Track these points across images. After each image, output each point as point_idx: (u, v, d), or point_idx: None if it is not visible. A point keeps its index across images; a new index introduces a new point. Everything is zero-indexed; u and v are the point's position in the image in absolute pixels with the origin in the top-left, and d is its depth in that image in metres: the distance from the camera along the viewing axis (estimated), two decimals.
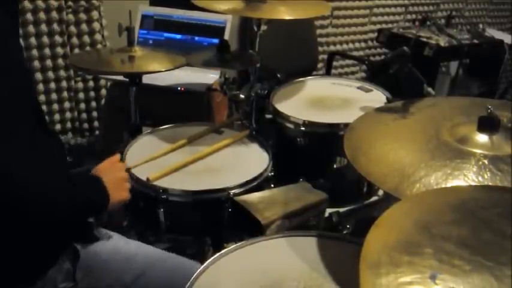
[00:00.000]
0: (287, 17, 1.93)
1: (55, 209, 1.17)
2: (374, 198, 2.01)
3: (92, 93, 3.10)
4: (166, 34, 2.71)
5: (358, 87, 2.21)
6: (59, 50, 2.86)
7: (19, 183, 1.07)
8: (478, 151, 1.18)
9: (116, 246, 1.41)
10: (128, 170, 1.56)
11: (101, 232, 1.45)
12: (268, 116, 2.03)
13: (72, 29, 2.88)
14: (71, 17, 2.85)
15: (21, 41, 1.13)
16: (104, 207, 1.31)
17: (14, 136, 1.09)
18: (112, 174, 1.37)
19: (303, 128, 1.89)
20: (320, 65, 3.76)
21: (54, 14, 2.78)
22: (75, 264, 1.33)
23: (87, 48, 2.95)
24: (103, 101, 3.09)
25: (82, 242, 1.37)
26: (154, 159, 1.73)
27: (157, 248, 1.51)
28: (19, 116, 1.14)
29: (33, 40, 2.79)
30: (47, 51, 2.84)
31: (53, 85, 2.93)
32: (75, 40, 2.91)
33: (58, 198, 1.17)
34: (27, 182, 1.09)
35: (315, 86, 2.26)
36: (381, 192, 2.00)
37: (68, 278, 1.31)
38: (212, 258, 1.23)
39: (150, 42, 2.72)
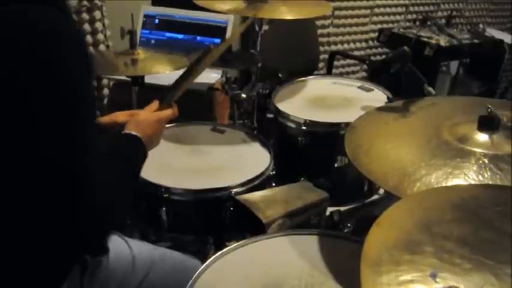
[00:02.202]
0: (288, 17, 1.93)
1: (124, 214, 1.19)
2: (375, 197, 2.02)
3: (94, 93, 3.10)
4: (168, 34, 2.72)
5: (359, 87, 2.21)
6: None
7: (100, 197, 1.03)
8: (478, 150, 1.18)
9: (119, 249, 1.38)
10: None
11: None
12: (270, 115, 2.04)
13: None
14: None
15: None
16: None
17: (94, 142, 1.06)
18: (150, 129, 1.38)
19: (304, 127, 1.89)
20: (321, 64, 3.76)
21: None
22: (83, 274, 1.28)
23: (90, 48, 2.95)
24: (105, 101, 3.10)
25: (93, 254, 1.32)
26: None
27: (161, 247, 1.51)
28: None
29: None
30: None
31: None
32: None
33: (126, 204, 1.18)
34: (109, 196, 1.06)
35: (316, 86, 2.26)
36: (381, 191, 2.01)
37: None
38: (214, 256, 1.24)
39: (152, 42, 2.72)
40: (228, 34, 2.66)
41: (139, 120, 1.40)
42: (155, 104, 1.49)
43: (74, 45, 0.99)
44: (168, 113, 1.47)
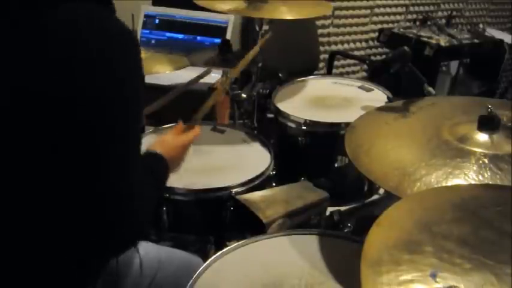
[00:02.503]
0: (289, 17, 1.94)
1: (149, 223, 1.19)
2: (375, 197, 2.02)
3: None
4: (168, 34, 2.72)
5: (359, 87, 2.22)
6: None
7: (137, 205, 1.03)
8: (478, 150, 1.18)
9: (128, 255, 1.36)
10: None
11: None
12: (270, 115, 2.04)
13: None
14: None
15: None
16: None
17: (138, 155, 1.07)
18: (175, 152, 1.38)
19: (304, 127, 1.90)
20: (321, 64, 3.76)
21: None
22: (96, 283, 1.25)
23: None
24: None
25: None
26: None
27: (173, 248, 1.50)
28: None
29: None
30: None
31: None
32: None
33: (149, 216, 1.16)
34: (142, 205, 1.06)
35: (316, 86, 2.27)
36: (381, 191, 2.01)
37: None
38: (214, 256, 1.24)
39: (153, 42, 2.72)
40: (228, 34, 2.66)
41: (164, 141, 1.41)
42: (180, 125, 1.52)
43: (129, 44, 0.99)
44: (191, 136, 1.47)
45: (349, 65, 4.09)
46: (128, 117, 0.97)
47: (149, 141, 1.83)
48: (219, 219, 1.62)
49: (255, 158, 1.78)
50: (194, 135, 1.48)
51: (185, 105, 2.50)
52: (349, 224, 1.69)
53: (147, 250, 1.42)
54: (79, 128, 0.90)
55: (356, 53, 4.05)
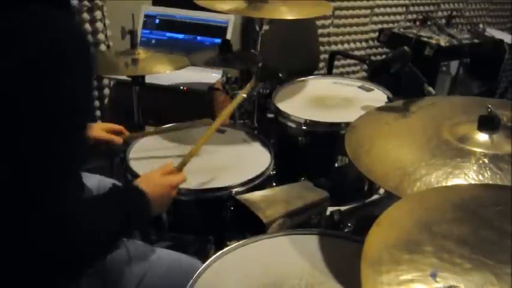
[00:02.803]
0: (289, 17, 1.94)
1: (106, 249, 1.13)
2: (375, 196, 2.02)
3: (95, 93, 3.10)
4: (168, 34, 2.72)
5: (359, 87, 2.22)
6: None
7: (74, 226, 1.00)
8: (478, 150, 1.18)
9: (117, 252, 1.35)
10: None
11: None
12: (270, 115, 2.04)
13: None
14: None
15: None
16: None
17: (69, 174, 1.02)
18: (161, 191, 1.32)
19: (304, 127, 1.90)
20: (321, 64, 3.77)
21: None
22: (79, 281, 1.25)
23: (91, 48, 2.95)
24: (106, 100, 3.10)
25: None
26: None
27: (157, 247, 1.51)
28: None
29: None
30: None
31: None
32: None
33: (107, 237, 1.12)
34: (81, 225, 1.02)
35: (316, 86, 2.27)
36: (381, 191, 2.01)
37: None
38: (214, 256, 1.24)
39: (153, 42, 2.73)
40: (229, 34, 2.66)
41: (150, 178, 1.35)
42: (169, 165, 1.44)
43: (78, 51, 0.97)
44: (179, 179, 1.42)
45: (349, 65, 4.09)
46: (56, 130, 0.94)
47: (150, 143, 1.85)
48: (219, 219, 1.63)
49: (255, 158, 1.78)
50: (181, 179, 1.43)
51: (185, 105, 2.52)
52: (349, 224, 1.69)
53: (138, 249, 1.42)
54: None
55: (356, 53, 4.06)
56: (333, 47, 3.93)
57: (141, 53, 1.93)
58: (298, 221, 1.51)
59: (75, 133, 0.99)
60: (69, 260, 1.00)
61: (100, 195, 1.24)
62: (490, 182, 1.10)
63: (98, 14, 2.91)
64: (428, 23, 3.79)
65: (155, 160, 1.74)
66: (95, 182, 1.69)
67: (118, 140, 1.75)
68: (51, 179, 0.94)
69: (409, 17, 4.19)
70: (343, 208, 1.77)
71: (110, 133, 1.75)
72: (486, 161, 1.15)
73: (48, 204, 0.94)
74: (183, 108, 2.47)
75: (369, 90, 2.19)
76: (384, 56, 3.24)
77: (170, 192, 1.36)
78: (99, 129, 1.72)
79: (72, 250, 0.99)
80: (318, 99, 2.10)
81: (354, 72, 4.14)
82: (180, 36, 2.71)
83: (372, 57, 4.12)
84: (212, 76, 2.62)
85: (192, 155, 1.52)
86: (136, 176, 1.63)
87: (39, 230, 0.93)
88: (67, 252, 0.99)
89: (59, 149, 0.95)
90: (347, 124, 1.58)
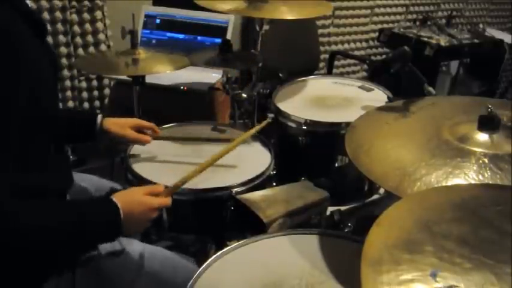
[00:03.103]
0: (289, 17, 1.94)
1: (56, 247, 1.14)
2: (375, 196, 2.02)
3: (96, 93, 3.11)
4: (169, 34, 2.73)
5: (360, 87, 2.22)
6: (63, 50, 2.86)
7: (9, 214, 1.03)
8: (479, 150, 1.18)
9: (114, 248, 1.37)
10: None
11: None
12: (270, 115, 2.04)
13: (76, 28, 2.88)
14: (74, 16, 2.86)
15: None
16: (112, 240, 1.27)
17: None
18: (139, 210, 1.27)
19: (304, 127, 1.90)
20: (322, 64, 3.77)
21: (58, 14, 2.78)
22: (75, 272, 1.28)
23: (91, 48, 2.95)
24: (106, 100, 3.10)
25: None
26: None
27: (157, 247, 1.51)
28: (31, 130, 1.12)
29: None
30: None
31: None
32: (78, 40, 2.92)
33: (52, 236, 1.12)
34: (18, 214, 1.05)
35: (316, 85, 2.27)
36: (382, 191, 2.01)
37: (67, 286, 1.27)
38: (214, 256, 1.24)
39: (153, 42, 2.73)
40: (229, 34, 2.66)
41: (129, 194, 1.31)
42: (159, 187, 1.39)
43: None
44: (162, 202, 1.35)
45: (349, 65, 4.10)
46: None
47: (151, 143, 1.85)
48: (220, 219, 1.63)
49: (256, 158, 1.78)
50: (165, 203, 1.36)
51: (185, 105, 2.52)
52: (349, 224, 1.69)
53: (133, 247, 1.42)
54: None
55: (356, 52, 4.06)
56: (333, 47, 3.93)
57: (142, 53, 1.94)
58: (298, 221, 1.51)
59: None
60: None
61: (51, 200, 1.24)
62: (490, 182, 1.10)
63: (98, 14, 2.91)
64: (429, 23, 3.79)
65: (156, 159, 1.75)
66: (92, 182, 1.68)
67: (146, 139, 1.71)
68: None
69: (409, 17, 4.19)
70: (343, 208, 1.77)
71: (138, 131, 1.70)
72: (486, 160, 1.15)
73: None
74: (184, 108, 2.47)
75: (369, 90, 2.19)
76: (384, 56, 3.24)
77: (147, 213, 1.29)
78: (125, 127, 1.67)
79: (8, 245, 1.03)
80: (318, 99, 2.10)
81: (354, 72, 4.14)
82: (181, 36, 2.71)
83: (372, 57, 4.12)
84: (212, 76, 2.62)
85: (184, 182, 1.44)
86: (137, 176, 1.63)
87: None
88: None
89: None
90: (347, 124, 1.58)
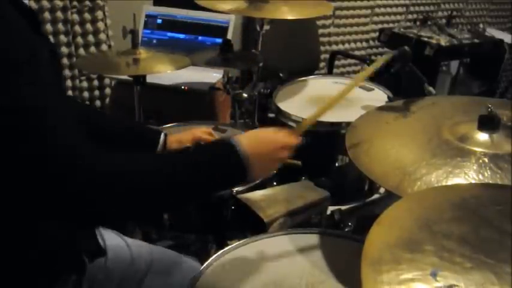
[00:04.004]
0: (289, 17, 1.94)
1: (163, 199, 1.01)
2: (375, 196, 2.02)
3: (97, 92, 3.11)
4: (170, 34, 2.73)
5: (360, 86, 2.22)
6: (64, 50, 2.87)
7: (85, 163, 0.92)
8: (479, 149, 1.18)
9: (118, 249, 1.37)
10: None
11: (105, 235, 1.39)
12: (271, 115, 2.04)
13: (77, 28, 2.89)
14: (75, 16, 2.86)
15: None
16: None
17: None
18: (266, 149, 1.14)
19: None
20: (322, 64, 3.77)
21: (59, 14, 2.79)
22: (81, 275, 1.24)
23: (92, 47, 2.96)
24: (107, 100, 3.11)
25: (90, 256, 1.27)
26: None
27: (159, 246, 1.52)
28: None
29: None
30: None
31: None
32: (79, 40, 2.92)
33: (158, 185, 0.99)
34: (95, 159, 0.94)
35: (317, 85, 2.27)
36: (382, 190, 2.01)
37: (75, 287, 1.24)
38: (215, 255, 1.24)
39: (154, 41, 2.73)
40: (229, 34, 2.66)
41: (255, 133, 1.19)
42: (285, 130, 1.25)
43: None
44: (294, 141, 1.22)
45: (349, 65, 4.10)
46: None
47: None
48: (220, 219, 1.63)
49: None
50: (293, 141, 1.22)
51: (186, 105, 2.52)
52: (349, 223, 1.69)
53: (140, 249, 1.42)
54: None
55: (357, 52, 4.06)
56: (334, 47, 3.93)
57: (143, 52, 1.94)
58: (298, 221, 1.51)
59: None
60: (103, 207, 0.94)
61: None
62: (490, 182, 1.10)
63: (99, 14, 2.91)
64: (429, 23, 3.79)
65: None
66: None
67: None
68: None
69: (410, 17, 4.19)
70: (343, 207, 1.77)
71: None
72: (486, 160, 1.15)
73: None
74: (184, 108, 2.47)
75: (369, 90, 2.19)
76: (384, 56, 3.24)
77: (277, 152, 1.16)
78: (185, 143, 1.55)
79: (102, 196, 0.92)
80: (319, 98, 2.11)
81: (354, 72, 4.14)
82: (181, 36, 2.72)
83: (373, 57, 4.12)
84: (213, 76, 2.62)
85: (311, 121, 1.32)
86: None
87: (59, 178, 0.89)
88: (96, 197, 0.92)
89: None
90: (347, 124, 1.59)
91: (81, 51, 2.94)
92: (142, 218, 1.08)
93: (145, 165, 1.01)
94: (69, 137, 0.92)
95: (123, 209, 0.98)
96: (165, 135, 1.51)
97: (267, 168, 1.19)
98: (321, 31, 3.76)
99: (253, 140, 1.12)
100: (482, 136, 1.22)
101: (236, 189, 1.58)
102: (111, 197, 0.94)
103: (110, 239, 1.37)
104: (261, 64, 2.11)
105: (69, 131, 0.93)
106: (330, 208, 1.66)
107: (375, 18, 4.06)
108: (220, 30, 2.66)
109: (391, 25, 4.08)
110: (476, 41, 3.67)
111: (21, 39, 0.93)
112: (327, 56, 3.75)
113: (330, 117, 1.90)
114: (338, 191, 1.69)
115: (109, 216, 1.01)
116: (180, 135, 1.56)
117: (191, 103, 2.52)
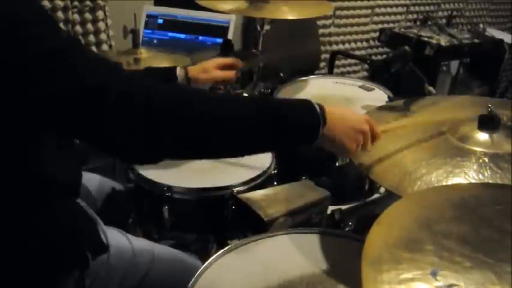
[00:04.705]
0: (290, 17, 1.94)
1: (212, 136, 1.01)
2: (376, 195, 2.02)
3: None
4: (170, 34, 2.73)
5: (360, 86, 2.22)
6: None
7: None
8: (479, 149, 1.19)
9: (120, 245, 1.38)
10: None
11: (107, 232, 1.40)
12: None
13: (78, 28, 2.88)
14: (76, 16, 2.86)
15: None
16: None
17: None
18: (348, 113, 1.14)
19: None
20: (322, 64, 3.77)
21: (60, 14, 2.78)
22: (84, 272, 1.26)
23: (93, 48, 2.95)
24: None
25: (93, 252, 1.28)
26: None
27: (161, 245, 1.52)
28: None
29: None
30: None
31: None
32: (80, 39, 2.92)
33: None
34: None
35: (317, 85, 2.27)
36: (382, 190, 2.01)
37: (77, 286, 1.26)
38: (216, 255, 1.24)
39: (155, 41, 2.73)
40: (230, 34, 2.66)
41: (340, 107, 1.17)
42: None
43: None
44: (373, 133, 1.20)
45: (350, 65, 4.10)
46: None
47: None
48: (221, 218, 1.63)
49: (257, 157, 1.77)
50: (377, 131, 1.20)
51: None
52: (350, 223, 1.69)
53: (142, 246, 1.42)
54: None
55: (357, 52, 4.06)
56: (334, 47, 3.93)
57: (143, 52, 1.94)
58: (299, 220, 1.51)
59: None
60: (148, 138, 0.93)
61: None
62: (490, 181, 1.10)
63: (100, 13, 2.91)
64: (429, 22, 3.79)
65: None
66: (93, 181, 1.68)
67: (232, 75, 1.76)
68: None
69: (410, 16, 4.19)
70: (344, 207, 1.77)
71: (223, 69, 1.74)
72: (486, 160, 1.15)
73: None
74: None
75: (369, 89, 2.19)
76: (384, 56, 3.24)
77: (355, 132, 1.14)
78: (212, 69, 1.71)
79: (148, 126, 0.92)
80: (319, 98, 2.08)
81: (354, 72, 4.14)
82: (182, 36, 2.72)
83: (373, 57, 4.12)
84: None
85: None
86: (139, 175, 1.63)
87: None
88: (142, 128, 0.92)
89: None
90: None
91: None
92: (202, 152, 1.07)
93: (206, 97, 1.04)
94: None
95: (184, 135, 0.98)
96: (183, 67, 1.65)
97: (340, 141, 1.13)
98: (321, 31, 3.76)
99: (336, 109, 1.11)
100: (482, 136, 1.22)
101: (237, 189, 1.59)
102: (174, 119, 0.95)
103: (113, 236, 1.38)
104: (261, 64, 2.11)
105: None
106: (331, 208, 1.65)
107: (375, 18, 4.06)
108: (220, 30, 2.66)
109: (391, 25, 4.08)
110: (476, 41, 3.67)
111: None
112: (328, 55, 3.75)
113: None
114: (338, 190, 1.69)
115: (167, 144, 0.98)
116: (200, 65, 1.69)
117: None
